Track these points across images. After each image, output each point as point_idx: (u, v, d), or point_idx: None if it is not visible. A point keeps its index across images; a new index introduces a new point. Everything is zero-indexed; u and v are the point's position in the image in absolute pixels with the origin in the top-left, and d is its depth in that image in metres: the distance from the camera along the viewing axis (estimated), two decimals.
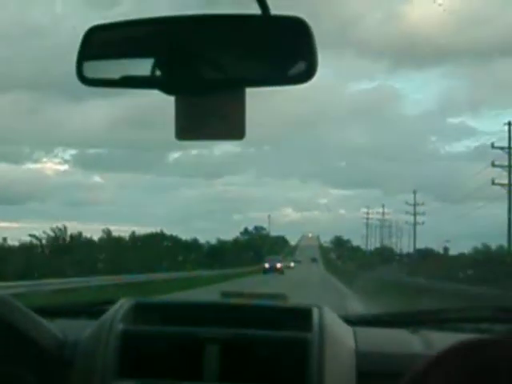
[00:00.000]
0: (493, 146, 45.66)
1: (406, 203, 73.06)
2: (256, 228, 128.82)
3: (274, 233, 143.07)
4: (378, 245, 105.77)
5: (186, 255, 64.08)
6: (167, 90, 1.52)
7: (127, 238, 61.50)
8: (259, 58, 1.52)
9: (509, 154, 44.28)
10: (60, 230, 49.07)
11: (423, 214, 71.40)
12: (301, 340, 1.94)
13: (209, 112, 1.55)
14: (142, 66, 1.53)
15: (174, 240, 69.35)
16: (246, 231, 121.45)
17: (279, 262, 68.94)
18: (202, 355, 1.93)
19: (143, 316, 2.09)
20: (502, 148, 44.98)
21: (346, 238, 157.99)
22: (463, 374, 0.58)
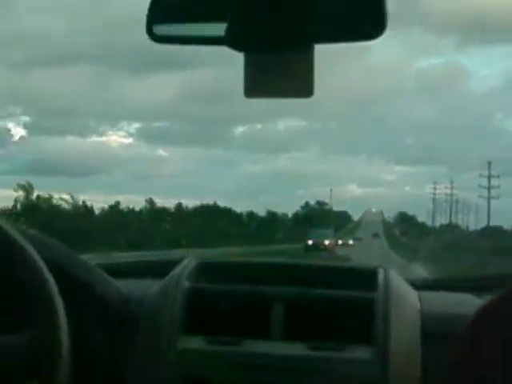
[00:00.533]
0: None
1: (481, 175, 72.37)
2: (318, 202, 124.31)
3: (337, 208, 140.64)
4: (443, 221, 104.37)
5: (233, 229, 61.60)
6: (236, 46, 1.53)
7: (172, 210, 59.71)
8: (328, 14, 1.51)
9: None
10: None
11: (498, 187, 70.70)
12: (366, 299, 1.95)
13: (277, 69, 1.55)
14: (212, 23, 1.55)
15: (227, 213, 67.24)
16: (307, 205, 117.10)
17: (328, 237, 57.39)
18: (268, 314, 1.95)
19: (208, 275, 2.12)
20: None
21: (410, 214, 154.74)
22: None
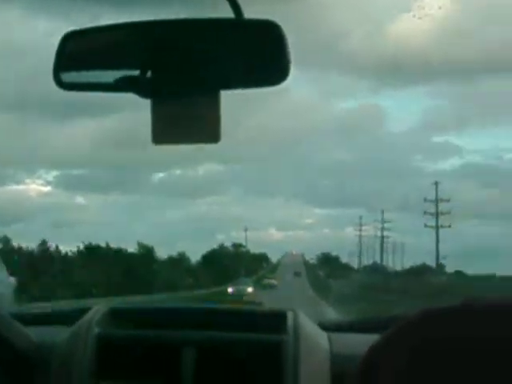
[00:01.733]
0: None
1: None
2: (234, 245, 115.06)
3: (256, 251, 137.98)
4: (367, 262, 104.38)
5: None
6: (142, 93, 1.55)
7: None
8: (233, 61, 1.55)
9: None
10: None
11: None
12: (276, 342, 1.96)
13: (184, 115, 1.57)
14: (118, 70, 1.57)
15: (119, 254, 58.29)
16: (221, 247, 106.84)
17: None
18: (179, 358, 1.95)
19: (119, 321, 2.11)
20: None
21: (334, 254, 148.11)
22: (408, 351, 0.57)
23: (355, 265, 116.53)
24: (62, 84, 1.58)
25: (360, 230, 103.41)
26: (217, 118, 1.57)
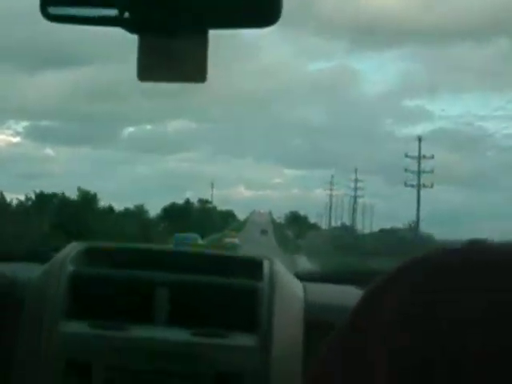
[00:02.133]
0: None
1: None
2: (200, 200, 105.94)
3: (223, 208, 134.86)
4: (335, 224, 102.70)
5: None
6: (129, 28, 1.54)
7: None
8: (224, 0, 1.54)
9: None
10: None
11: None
12: (251, 288, 1.98)
13: (171, 53, 1.56)
14: (107, 4, 1.54)
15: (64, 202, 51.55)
16: (187, 203, 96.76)
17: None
18: (152, 299, 1.96)
19: (94, 259, 2.11)
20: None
21: (302, 213, 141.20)
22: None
23: (324, 226, 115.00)
24: (49, 16, 1.56)
25: (331, 190, 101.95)
26: (204, 57, 1.55)
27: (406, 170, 57.68)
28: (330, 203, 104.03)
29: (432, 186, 57.25)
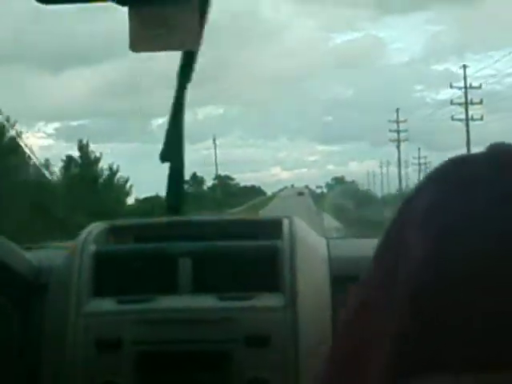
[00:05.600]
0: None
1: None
2: (219, 176, 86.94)
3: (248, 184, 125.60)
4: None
5: None
6: (120, 0, 1.54)
7: None
8: None
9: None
10: None
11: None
12: (271, 248, 1.99)
13: (161, 22, 1.56)
14: None
15: None
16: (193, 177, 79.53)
17: None
18: (176, 270, 1.97)
19: (116, 238, 2.13)
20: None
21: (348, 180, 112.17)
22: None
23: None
24: None
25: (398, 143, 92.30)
26: (194, 23, 1.56)
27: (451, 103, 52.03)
28: (381, 168, 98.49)
29: (482, 119, 51.71)
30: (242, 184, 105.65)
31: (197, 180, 74.50)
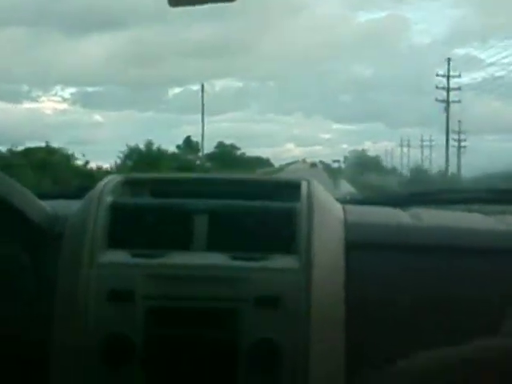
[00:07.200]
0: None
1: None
2: (221, 144, 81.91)
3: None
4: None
5: None
6: None
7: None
8: None
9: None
10: None
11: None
12: (288, 209, 1.98)
13: None
14: None
15: None
16: (219, 145, 76.75)
17: None
18: (192, 226, 1.97)
19: (132, 190, 2.12)
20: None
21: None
22: None
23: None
24: None
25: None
26: None
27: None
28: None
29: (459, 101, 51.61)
30: (248, 155, 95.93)
31: (191, 145, 66.27)
